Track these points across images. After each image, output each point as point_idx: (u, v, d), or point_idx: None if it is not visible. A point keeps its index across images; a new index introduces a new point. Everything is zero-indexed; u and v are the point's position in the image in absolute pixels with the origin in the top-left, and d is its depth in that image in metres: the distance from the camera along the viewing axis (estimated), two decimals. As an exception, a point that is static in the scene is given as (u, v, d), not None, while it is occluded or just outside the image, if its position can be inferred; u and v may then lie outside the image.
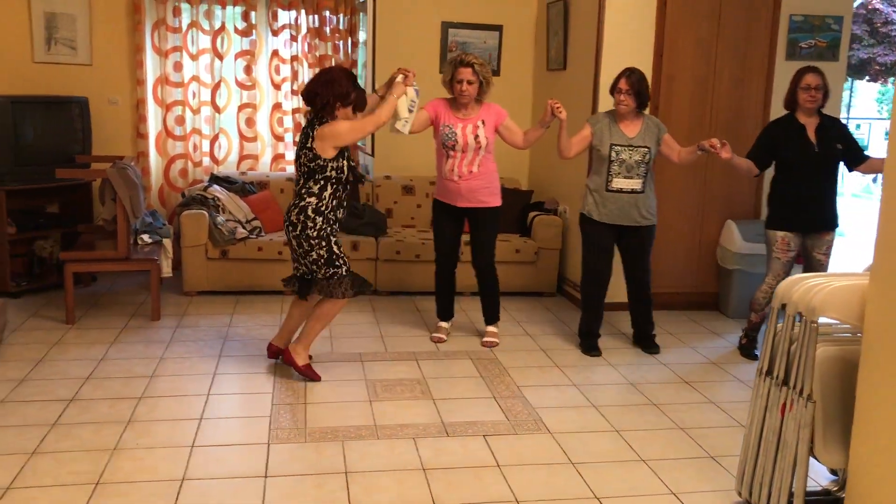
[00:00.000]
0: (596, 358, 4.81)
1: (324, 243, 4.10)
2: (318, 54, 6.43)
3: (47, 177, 5.40)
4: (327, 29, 6.41)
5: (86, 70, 6.19)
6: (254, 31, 6.33)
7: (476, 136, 4.65)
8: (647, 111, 4.82)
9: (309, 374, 4.25)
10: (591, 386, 4.35)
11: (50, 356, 4.50)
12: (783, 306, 2.85)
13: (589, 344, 4.90)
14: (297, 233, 4.09)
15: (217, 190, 5.96)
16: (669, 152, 4.75)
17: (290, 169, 6.49)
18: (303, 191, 4.11)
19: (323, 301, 4.21)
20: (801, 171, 4.60)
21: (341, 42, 6.46)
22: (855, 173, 4.96)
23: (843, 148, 4.58)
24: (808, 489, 3.05)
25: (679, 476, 3.35)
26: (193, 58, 6.26)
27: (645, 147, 4.63)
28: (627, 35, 5.48)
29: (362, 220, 6.04)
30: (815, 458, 2.76)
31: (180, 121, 6.29)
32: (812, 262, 4.72)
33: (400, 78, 4.36)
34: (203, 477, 3.20)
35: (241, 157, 6.51)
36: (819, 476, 3.33)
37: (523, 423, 3.82)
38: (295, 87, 6.42)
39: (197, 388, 4.11)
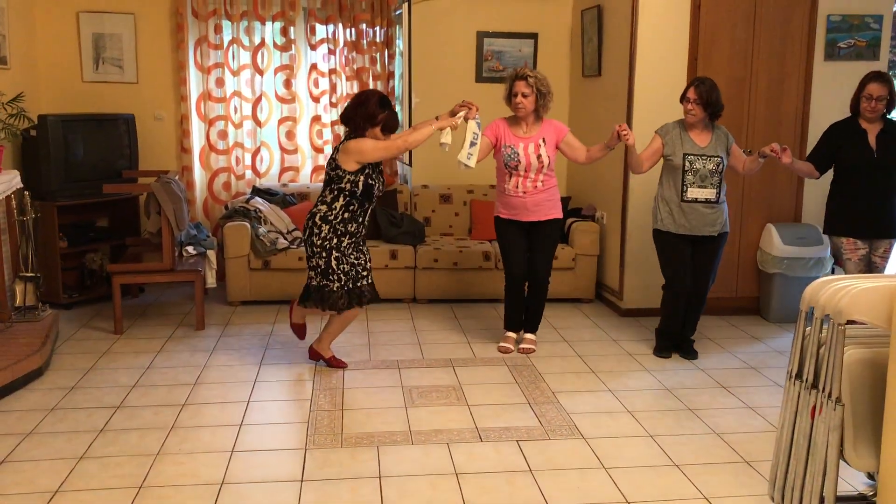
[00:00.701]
0: (633, 364, 4.80)
1: (324, 254, 4.26)
2: (355, 67, 6.54)
3: (96, 192, 5.59)
4: (364, 42, 6.53)
5: (132, 88, 6.39)
6: (293, 45, 6.47)
7: (539, 156, 4.66)
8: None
9: (336, 364, 4.62)
10: (626, 391, 4.35)
11: (99, 365, 4.66)
12: (811, 309, 2.83)
13: (664, 345, 4.93)
14: (305, 237, 4.34)
15: (259, 202, 6.10)
16: (736, 162, 4.75)
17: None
18: (319, 198, 4.33)
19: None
20: (859, 177, 4.57)
21: (378, 54, 6.57)
22: None
23: None
24: (844, 494, 3.02)
25: (712, 481, 3.34)
26: (235, 73, 6.42)
27: (718, 156, 4.63)
28: (662, 40, 5.48)
29: (400, 228, 6.12)
30: (846, 462, 2.74)
31: (223, 135, 6.45)
32: (870, 266, 4.68)
33: (462, 113, 4.42)
34: (242, 481, 3.29)
35: (283, 170, 6.64)
36: (856, 481, 3.29)
37: (557, 429, 3.84)
38: (333, 100, 6.54)
39: (238, 395, 4.22)
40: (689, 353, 4.93)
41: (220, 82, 6.39)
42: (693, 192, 4.60)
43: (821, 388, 2.78)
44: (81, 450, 3.54)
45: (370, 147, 4.20)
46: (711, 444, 3.71)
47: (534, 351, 4.96)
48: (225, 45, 6.37)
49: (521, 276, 4.89)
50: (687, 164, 4.61)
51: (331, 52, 6.52)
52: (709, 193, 4.61)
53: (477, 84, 6.71)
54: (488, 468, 3.43)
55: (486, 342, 5.14)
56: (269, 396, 4.23)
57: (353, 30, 6.50)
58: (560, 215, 4.87)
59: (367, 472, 3.37)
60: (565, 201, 6.52)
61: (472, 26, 6.67)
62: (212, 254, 5.89)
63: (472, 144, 4.43)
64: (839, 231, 4.68)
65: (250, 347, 5.00)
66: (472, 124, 4.42)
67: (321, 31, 6.49)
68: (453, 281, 6.00)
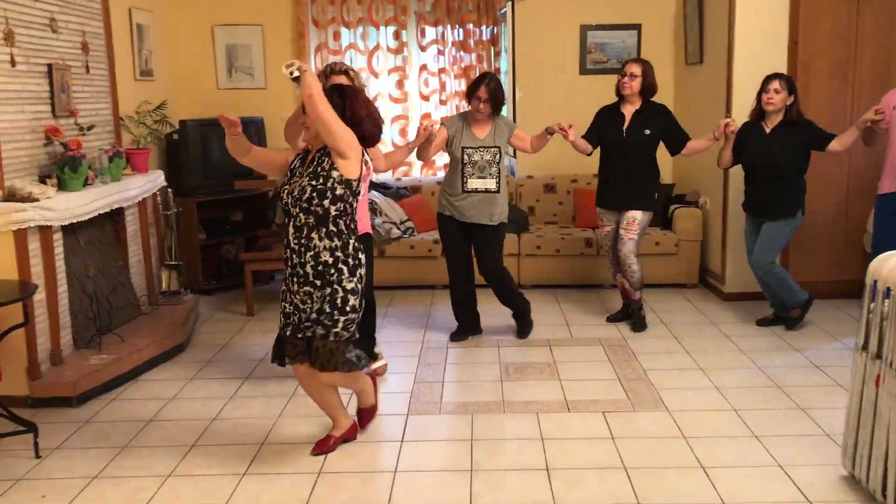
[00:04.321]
0: (728, 345, 4.90)
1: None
2: (463, 65, 6.88)
3: (230, 188, 6.19)
4: (471, 41, 6.85)
5: (261, 93, 6.99)
6: (405, 48, 6.87)
7: (366, 161, 4.09)
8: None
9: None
10: (718, 370, 4.48)
11: (232, 342, 5.21)
12: (875, 282, 2.93)
13: (457, 331, 5.13)
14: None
15: (375, 195, 6.54)
16: (522, 144, 4.92)
17: (441, 174, 6.96)
18: (328, 236, 3.33)
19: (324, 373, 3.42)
20: (611, 154, 5.08)
21: (484, 52, 6.88)
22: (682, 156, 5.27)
23: (651, 133, 4.97)
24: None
25: (790, 451, 3.46)
26: (352, 76, 6.90)
27: (495, 147, 4.80)
28: (761, 24, 5.52)
29: (506, 218, 6.41)
30: (909, 429, 2.82)
31: (341, 134, 6.93)
32: (618, 236, 5.11)
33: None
34: (348, 440, 3.69)
35: (397, 165, 7.06)
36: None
37: (643, 402, 4.04)
38: (443, 98, 6.90)
39: (351, 369, 4.64)
40: (523, 332, 5.11)
41: (338, 85, 6.87)
42: (473, 183, 4.77)
43: (883, 357, 2.89)
44: (214, 412, 4.05)
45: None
46: (795, 418, 3.81)
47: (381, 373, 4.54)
48: (343, 50, 6.85)
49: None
50: (465, 156, 4.78)
51: (440, 52, 6.89)
52: (488, 183, 4.77)
53: (581, 77, 6.91)
54: (572, 435, 3.69)
55: (584, 325, 5.36)
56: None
57: (460, 30, 6.84)
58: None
59: (461, 436, 3.70)
60: (669, 188, 6.64)
61: (575, 20, 6.87)
62: (332, 243, 6.38)
63: None
64: (597, 202, 5.20)
65: (364, 328, 5.43)
66: None
67: (431, 32, 6.87)
68: (556, 267, 6.24)
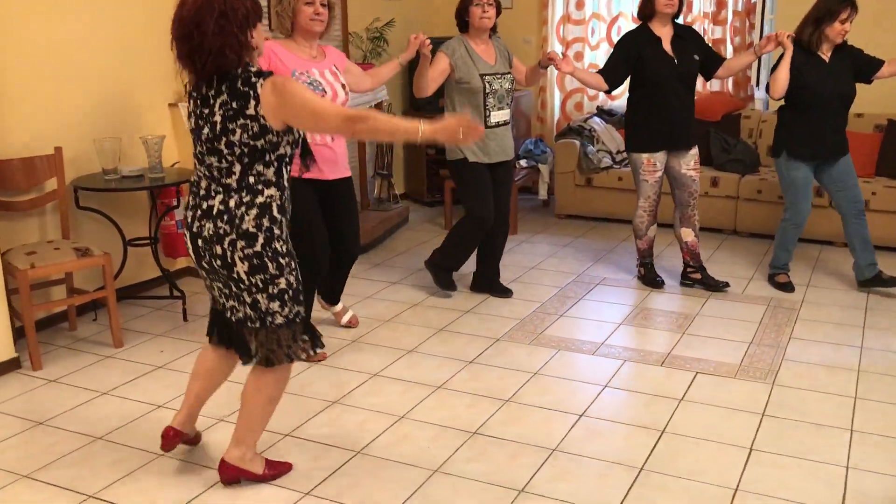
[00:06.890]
0: (928, 327, 4.04)
1: (294, 264, 2.52)
2: (713, -17, 6.23)
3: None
4: (728, -44, 6.16)
5: (507, 14, 6.97)
6: (652, -36, 6.39)
7: (343, 85, 3.58)
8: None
9: (279, 473, 2.75)
10: (882, 351, 3.74)
11: (415, 250, 5.50)
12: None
13: (447, 280, 4.58)
14: (258, 249, 2.42)
15: (595, 122, 6.31)
16: (518, 76, 4.41)
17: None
18: (250, 179, 2.42)
19: (263, 372, 2.58)
20: (663, 88, 4.31)
21: (741, -32, 6.14)
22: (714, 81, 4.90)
23: (699, 59, 4.36)
24: None
25: (876, 453, 2.85)
26: (594, -5, 6.64)
27: (509, 73, 4.28)
28: None
29: (730, 155, 5.79)
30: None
31: (579, 57, 6.74)
32: (684, 179, 4.48)
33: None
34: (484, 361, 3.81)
35: (636, 92, 6.69)
36: None
37: (751, 371, 3.55)
38: (689, 19, 6.34)
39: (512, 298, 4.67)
40: (505, 291, 4.58)
41: (579, 5, 6.66)
42: (496, 116, 4.22)
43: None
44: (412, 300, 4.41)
45: (306, 101, 2.35)
46: (925, 421, 3.09)
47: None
48: (586, -34, 6.60)
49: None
50: (487, 85, 4.15)
51: (691, -32, 6.30)
52: (506, 115, 4.27)
53: None
54: (640, 388, 3.40)
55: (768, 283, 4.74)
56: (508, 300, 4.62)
57: (715, -56, 6.18)
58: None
59: (528, 367, 3.62)
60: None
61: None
62: (544, 168, 6.35)
63: None
64: (644, 147, 4.41)
65: (536, 254, 5.38)
66: None
67: (681, -53, 6.29)
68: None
